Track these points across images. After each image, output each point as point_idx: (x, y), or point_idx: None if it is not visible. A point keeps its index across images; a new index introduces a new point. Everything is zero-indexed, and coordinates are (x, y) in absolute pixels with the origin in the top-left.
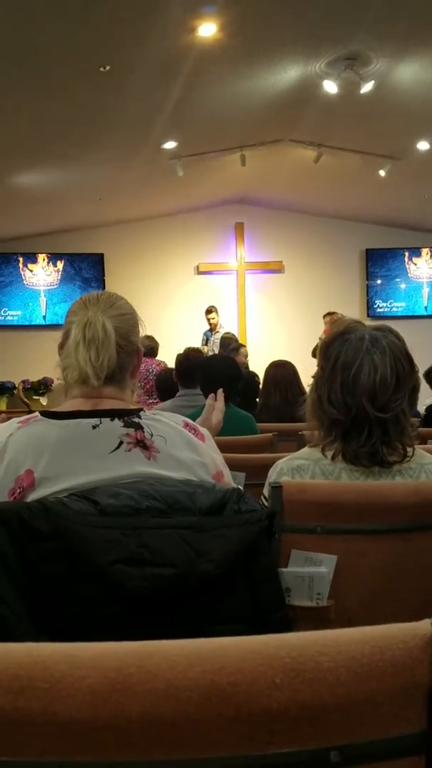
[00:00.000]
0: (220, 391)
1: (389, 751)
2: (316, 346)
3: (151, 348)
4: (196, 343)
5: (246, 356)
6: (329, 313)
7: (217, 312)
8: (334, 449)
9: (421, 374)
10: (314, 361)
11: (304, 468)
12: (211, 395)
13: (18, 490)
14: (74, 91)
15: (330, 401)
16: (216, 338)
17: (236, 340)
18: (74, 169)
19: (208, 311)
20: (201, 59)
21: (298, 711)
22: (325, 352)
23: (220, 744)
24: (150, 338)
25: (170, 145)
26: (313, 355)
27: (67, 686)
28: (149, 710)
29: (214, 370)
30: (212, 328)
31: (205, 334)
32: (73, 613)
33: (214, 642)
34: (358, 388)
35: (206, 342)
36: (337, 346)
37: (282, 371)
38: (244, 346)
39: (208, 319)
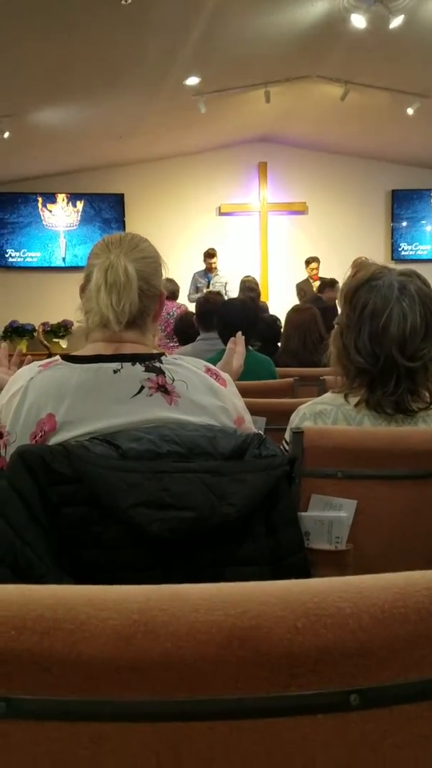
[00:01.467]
0: (240, 335)
1: (409, 696)
2: (300, 290)
3: (172, 291)
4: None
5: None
6: (313, 259)
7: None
8: (359, 397)
9: None
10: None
11: (326, 413)
12: (231, 339)
13: (40, 434)
14: (94, 25)
15: (357, 350)
16: (216, 281)
17: (257, 284)
18: (94, 106)
19: (212, 254)
20: None
21: (318, 655)
22: (351, 299)
23: (241, 685)
24: (171, 281)
25: (193, 81)
26: (312, 302)
27: (91, 627)
28: (171, 652)
29: (231, 314)
30: (211, 271)
31: (206, 276)
32: (95, 554)
33: (236, 586)
34: (387, 337)
35: (208, 285)
36: (365, 293)
37: (302, 316)
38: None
39: (211, 263)
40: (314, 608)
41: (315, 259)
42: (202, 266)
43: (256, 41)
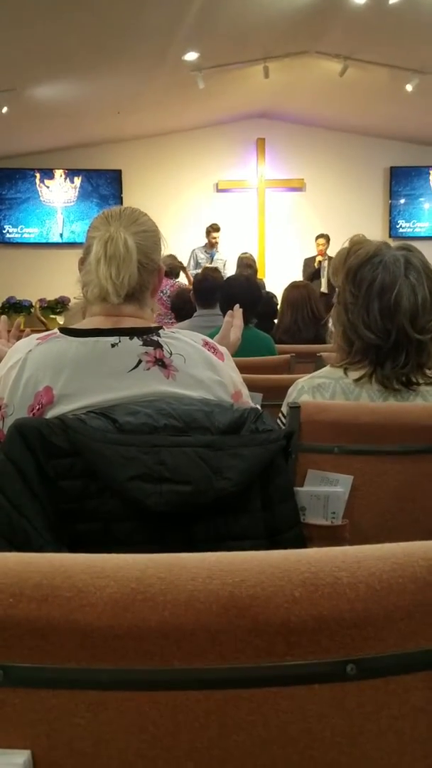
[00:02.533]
0: (237, 308)
1: (406, 666)
2: (304, 264)
3: (174, 267)
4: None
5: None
6: (321, 235)
7: None
8: (362, 371)
9: None
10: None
11: (324, 386)
12: (229, 312)
13: (37, 407)
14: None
15: (367, 326)
16: (218, 258)
17: (254, 261)
18: (92, 81)
19: (217, 229)
20: None
21: (315, 624)
22: (354, 277)
23: (238, 654)
24: (172, 257)
25: (191, 56)
26: (309, 278)
27: (88, 595)
28: (169, 620)
29: (235, 290)
30: (213, 247)
31: (208, 253)
32: (92, 527)
33: (234, 555)
34: (400, 312)
35: (211, 261)
36: (369, 270)
37: (296, 293)
38: None
39: (215, 237)
40: (311, 578)
41: (323, 236)
42: (201, 242)
43: (255, 16)
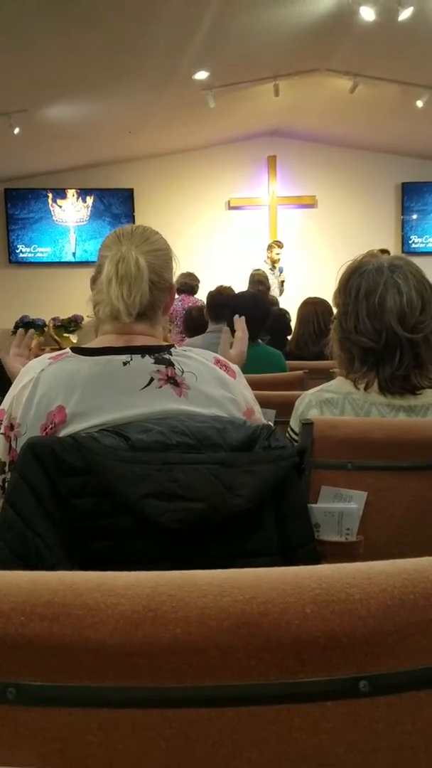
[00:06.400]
0: (238, 318)
1: (419, 682)
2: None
3: (191, 286)
4: (234, 280)
5: None
6: (383, 251)
7: None
8: (367, 379)
9: None
10: None
11: (333, 402)
12: (225, 328)
13: (50, 426)
14: (103, 19)
15: (358, 331)
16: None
17: (266, 277)
18: (103, 101)
19: (281, 245)
20: None
21: (327, 641)
22: (343, 288)
23: (250, 671)
24: (191, 276)
25: (202, 75)
26: None
27: (100, 613)
28: (180, 637)
29: (242, 306)
30: (275, 263)
31: (279, 268)
32: (105, 545)
33: (245, 572)
34: (385, 311)
35: (280, 275)
36: (356, 279)
37: (305, 309)
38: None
39: (279, 254)
40: (323, 594)
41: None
42: (214, 259)
43: (264, 35)
